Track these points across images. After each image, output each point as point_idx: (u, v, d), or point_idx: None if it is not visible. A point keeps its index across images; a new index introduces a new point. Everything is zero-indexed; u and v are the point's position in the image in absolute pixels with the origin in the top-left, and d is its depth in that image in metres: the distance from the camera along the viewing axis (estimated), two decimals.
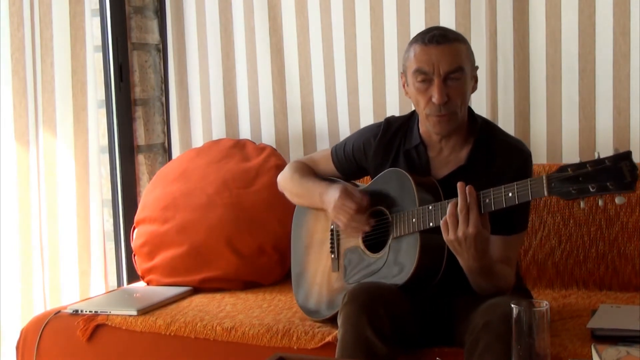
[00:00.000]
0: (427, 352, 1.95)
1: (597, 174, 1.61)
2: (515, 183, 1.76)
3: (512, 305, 1.45)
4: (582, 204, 1.67)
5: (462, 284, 1.94)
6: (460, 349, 1.85)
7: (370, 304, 1.86)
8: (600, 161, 1.62)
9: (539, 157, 2.71)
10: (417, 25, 2.82)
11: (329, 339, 2.08)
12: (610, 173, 1.60)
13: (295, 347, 2.12)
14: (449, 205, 1.83)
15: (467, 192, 1.81)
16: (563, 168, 1.66)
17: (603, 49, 2.60)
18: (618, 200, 1.62)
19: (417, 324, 1.95)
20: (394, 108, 2.89)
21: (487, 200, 1.80)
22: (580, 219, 2.49)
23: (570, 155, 2.68)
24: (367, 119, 2.93)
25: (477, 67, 2.04)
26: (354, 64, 2.96)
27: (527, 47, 2.71)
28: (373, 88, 2.93)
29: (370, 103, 2.95)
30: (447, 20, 2.78)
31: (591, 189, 1.62)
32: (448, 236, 1.83)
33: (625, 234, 2.45)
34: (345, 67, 2.97)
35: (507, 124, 2.73)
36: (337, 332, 1.91)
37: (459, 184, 1.82)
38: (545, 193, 1.69)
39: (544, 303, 1.45)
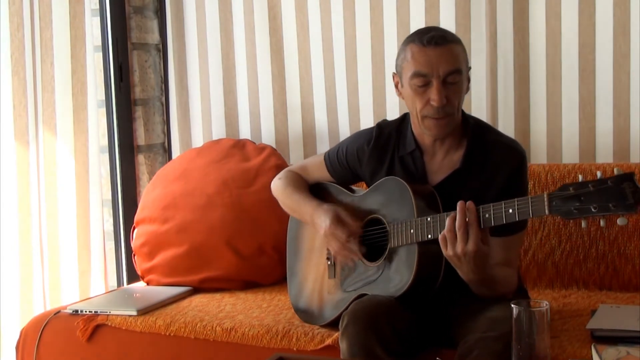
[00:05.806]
0: (426, 353, 1.94)
1: (599, 194, 1.59)
2: (515, 200, 1.74)
3: (512, 305, 1.45)
4: (583, 224, 1.65)
5: (460, 290, 1.93)
6: None
7: (374, 322, 1.84)
8: (602, 181, 1.59)
9: (539, 157, 2.71)
10: (417, 25, 2.80)
11: (329, 341, 2.07)
12: (612, 194, 1.57)
13: (294, 349, 2.12)
14: (448, 220, 1.81)
15: (467, 208, 1.79)
16: (565, 187, 1.64)
17: (603, 49, 2.60)
18: (620, 221, 1.60)
19: (417, 329, 1.94)
20: (394, 108, 2.88)
21: (487, 215, 1.78)
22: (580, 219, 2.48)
23: (570, 155, 2.68)
24: (367, 119, 2.93)
25: (469, 68, 2.03)
26: (354, 64, 2.96)
27: (527, 47, 2.71)
28: (373, 88, 2.93)
29: (370, 103, 2.94)
30: (447, 20, 2.78)
31: (593, 209, 1.59)
32: (447, 252, 1.82)
33: (625, 234, 2.44)
34: (345, 67, 2.97)
35: (507, 124, 2.73)
36: (341, 353, 1.88)
37: (459, 203, 1.80)
38: (547, 212, 1.67)
39: (544, 303, 1.45)
